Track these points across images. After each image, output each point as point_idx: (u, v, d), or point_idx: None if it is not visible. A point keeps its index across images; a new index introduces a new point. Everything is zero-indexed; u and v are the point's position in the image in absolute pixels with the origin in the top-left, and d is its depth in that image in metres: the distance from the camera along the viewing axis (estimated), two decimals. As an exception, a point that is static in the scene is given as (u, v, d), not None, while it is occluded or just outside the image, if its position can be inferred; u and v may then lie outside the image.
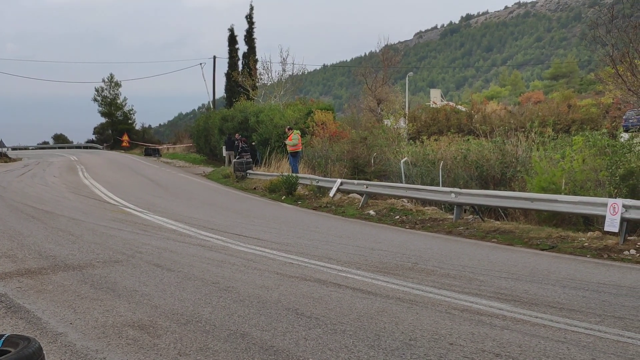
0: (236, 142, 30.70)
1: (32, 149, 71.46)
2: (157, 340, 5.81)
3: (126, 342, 5.79)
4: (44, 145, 76.78)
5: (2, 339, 3.20)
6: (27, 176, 29.09)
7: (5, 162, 46.14)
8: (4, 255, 10.25)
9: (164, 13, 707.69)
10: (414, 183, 18.51)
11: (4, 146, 57.27)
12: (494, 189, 16.41)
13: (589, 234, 12.07)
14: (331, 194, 19.53)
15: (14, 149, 65.63)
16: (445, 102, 49.77)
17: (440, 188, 16.13)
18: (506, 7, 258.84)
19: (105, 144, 68.29)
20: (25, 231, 12.73)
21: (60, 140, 78.10)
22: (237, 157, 28.73)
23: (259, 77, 43.20)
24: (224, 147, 34.21)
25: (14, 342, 3.17)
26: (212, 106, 52.40)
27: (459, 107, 43.46)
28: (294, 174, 22.28)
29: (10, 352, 3.05)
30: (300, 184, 21.56)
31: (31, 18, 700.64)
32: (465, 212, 15.26)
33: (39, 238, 11.81)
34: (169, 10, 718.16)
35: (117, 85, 70.23)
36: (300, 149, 24.89)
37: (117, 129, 68.00)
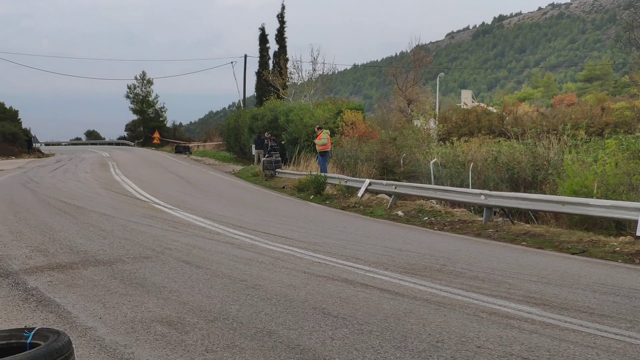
0: (265, 140, 30.83)
1: (65, 145, 72.64)
2: (185, 337, 5.85)
3: (154, 337, 5.84)
4: (76, 142, 77.93)
5: (32, 333, 3.25)
6: (59, 172, 29.54)
7: (39, 157, 46.97)
8: (35, 249, 10.42)
9: (195, 12, 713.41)
10: (443, 184, 18.39)
11: (37, 142, 58.32)
12: (525, 192, 16.21)
13: (621, 238, 11.88)
14: (359, 194, 19.50)
15: (47, 144, 66.79)
16: (477, 104, 49.33)
17: (470, 190, 16.01)
18: (540, 8, 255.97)
19: (136, 141, 69.06)
20: (57, 226, 12.92)
21: (93, 137, 79.19)
22: (266, 155, 28.85)
23: (289, 76, 43.30)
24: (253, 146, 34.39)
25: (44, 336, 3.21)
26: (242, 105, 52.70)
27: (490, 108, 43.02)
28: (322, 174, 22.29)
29: (40, 345, 3.10)
30: (329, 183, 21.57)
31: (65, 15, 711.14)
32: (494, 214, 15.13)
33: (71, 233, 11.98)
34: (200, 8, 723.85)
35: (149, 82, 71.03)
36: (329, 149, 24.90)
37: (148, 126, 68.74)
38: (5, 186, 22.50)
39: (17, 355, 2.91)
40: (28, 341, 3.23)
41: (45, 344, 3.06)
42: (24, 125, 57.31)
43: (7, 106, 60.29)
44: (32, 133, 57.25)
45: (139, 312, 6.68)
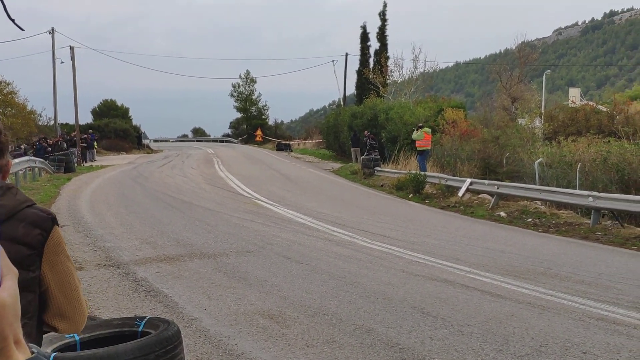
0: (364, 138, 30.86)
1: (173, 141, 75.22)
2: (286, 330, 5.98)
3: (257, 330, 6.01)
4: (183, 138, 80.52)
5: (144, 322, 3.41)
6: (167, 167, 30.71)
7: (148, 153, 48.98)
8: (145, 241, 10.90)
9: (307, 10, 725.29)
10: (548, 185, 17.83)
11: (146, 138, 60.82)
12: (636, 194, 15.49)
13: None
14: (460, 194, 19.21)
15: (155, 140, 69.48)
16: (585, 102, 47.48)
17: (577, 191, 15.45)
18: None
19: (240, 138, 70.61)
20: (165, 219, 13.47)
21: (199, 134, 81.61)
22: (365, 153, 28.88)
23: (389, 74, 43.09)
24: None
25: (155, 325, 3.36)
26: (342, 103, 52.92)
27: (600, 107, 41.28)
28: (422, 172, 22.10)
29: (151, 333, 3.25)
30: (428, 182, 21.36)
31: (178, 16, 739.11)
32: (603, 217, 14.54)
33: (178, 226, 12.46)
34: (313, 6, 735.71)
35: (253, 81, 72.50)
36: (428, 147, 24.63)
37: (251, 124, 70.15)
38: (117, 181, 23.64)
39: (129, 342, 3.06)
40: (139, 329, 3.39)
41: (155, 333, 3.20)
42: (134, 122, 59.84)
43: (119, 103, 63.25)
44: (142, 129, 59.70)
45: (242, 305, 6.88)
